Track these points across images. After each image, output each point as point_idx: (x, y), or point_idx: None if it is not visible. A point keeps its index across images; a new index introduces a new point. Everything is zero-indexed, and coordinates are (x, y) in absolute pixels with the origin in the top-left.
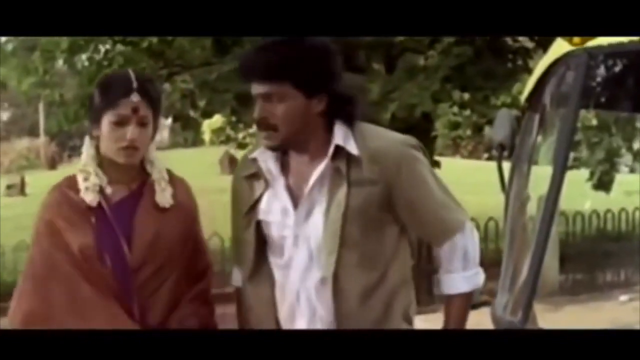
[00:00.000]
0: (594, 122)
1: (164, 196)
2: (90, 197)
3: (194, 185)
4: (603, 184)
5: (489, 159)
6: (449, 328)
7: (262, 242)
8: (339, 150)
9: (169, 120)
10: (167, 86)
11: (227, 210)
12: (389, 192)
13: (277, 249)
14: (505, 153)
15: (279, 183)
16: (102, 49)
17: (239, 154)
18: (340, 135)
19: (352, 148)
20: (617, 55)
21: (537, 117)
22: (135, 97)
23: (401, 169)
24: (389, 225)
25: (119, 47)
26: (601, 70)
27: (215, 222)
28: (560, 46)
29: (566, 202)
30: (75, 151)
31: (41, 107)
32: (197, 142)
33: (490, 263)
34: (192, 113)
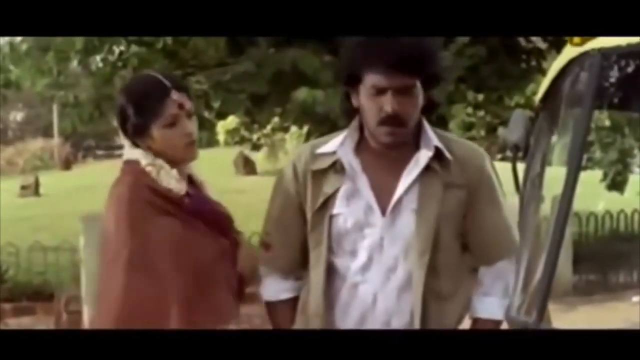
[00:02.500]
0: (607, 122)
1: (208, 190)
2: (179, 187)
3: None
4: (616, 184)
5: (503, 159)
6: None
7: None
8: (434, 152)
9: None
10: None
11: (241, 210)
12: (467, 199)
13: (349, 248)
14: (520, 153)
15: (362, 179)
16: (117, 50)
17: (254, 155)
18: (434, 137)
19: (446, 152)
20: (631, 55)
21: (551, 118)
22: (175, 95)
23: (482, 179)
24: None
25: (134, 47)
26: (615, 71)
27: None
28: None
29: (579, 203)
30: (90, 152)
31: (55, 108)
32: (211, 142)
33: None
34: (206, 114)
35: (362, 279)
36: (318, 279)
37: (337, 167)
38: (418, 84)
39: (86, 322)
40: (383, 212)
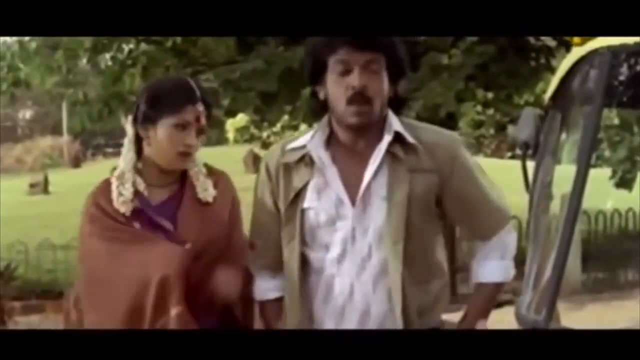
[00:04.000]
0: (616, 121)
1: (206, 191)
2: (124, 208)
3: None
4: (625, 182)
5: (512, 157)
6: (470, 318)
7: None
8: (396, 138)
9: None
10: None
11: (251, 209)
12: (442, 185)
13: (322, 241)
14: (529, 152)
15: (331, 172)
16: (126, 48)
17: (263, 153)
18: (397, 123)
19: (408, 136)
20: None
21: (560, 116)
22: (200, 107)
23: (455, 163)
24: (437, 218)
25: (143, 46)
26: (624, 69)
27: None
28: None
29: (588, 201)
30: (99, 150)
31: (64, 106)
32: (221, 140)
33: (515, 262)
34: (216, 112)
35: (337, 271)
36: (293, 273)
37: (306, 161)
38: (383, 62)
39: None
40: (353, 203)
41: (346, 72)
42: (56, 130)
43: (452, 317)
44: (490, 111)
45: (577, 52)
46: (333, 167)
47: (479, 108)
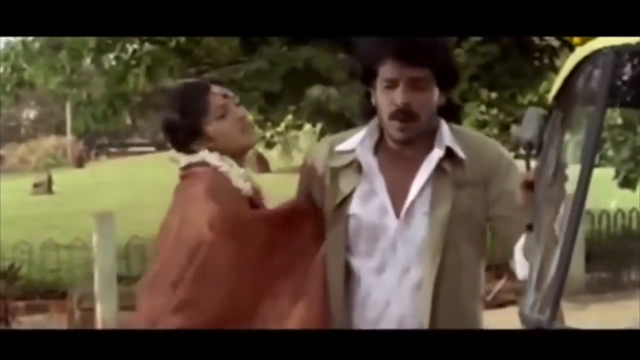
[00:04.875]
0: (620, 120)
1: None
2: (246, 186)
3: None
4: (629, 182)
5: (516, 157)
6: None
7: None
8: (446, 152)
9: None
10: None
11: None
12: (488, 190)
13: (363, 249)
14: (533, 151)
15: (378, 180)
16: (130, 48)
17: (267, 153)
18: (448, 136)
19: (459, 150)
20: None
21: (564, 116)
22: (215, 89)
23: (501, 164)
24: (481, 235)
25: (147, 46)
26: (628, 69)
27: None
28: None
29: (591, 201)
30: (103, 150)
31: (68, 105)
32: None
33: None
34: None
35: (377, 281)
36: (337, 279)
37: (354, 166)
38: (431, 78)
39: (99, 320)
40: (397, 215)
41: (392, 86)
42: (60, 130)
43: None
44: (494, 111)
45: (580, 52)
46: (380, 175)
47: (482, 108)
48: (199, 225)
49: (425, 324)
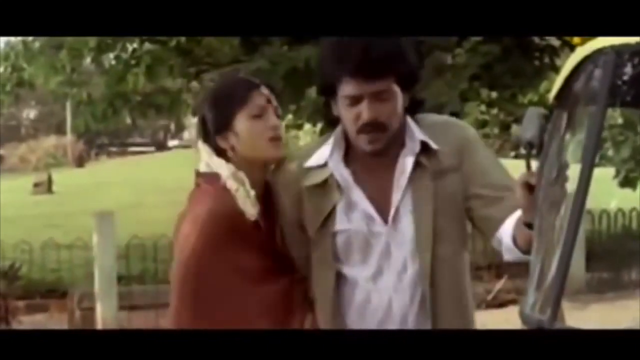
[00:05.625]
0: (620, 120)
1: None
2: (251, 211)
3: None
4: (629, 181)
5: (516, 157)
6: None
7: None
8: (420, 146)
9: (197, 118)
10: (195, 84)
11: None
12: (461, 171)
13: (358, 259)
14: (534, 151)
15: (357, 191)
16: (130, 47)
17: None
18: (418, 130)
19: (431, 142)
20: None
21: (565, 115)
22: (264, 90)
23: (468, 141)
24: (465, 218)
25: (147, 45)
26: (628, 69)
27: None
28: (587, 44)
29: (592, 201)
30: (103, 149)
31: (68, 105)
32: None
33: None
34: None
35: (374, 287)
36: (326, 292)
37: (330, 182)
38: (393, 87)
39: (99, 319)
40: (385, 220)
41: (355, 102)
42: (60, 130)
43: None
44: (495, 111)
45: (581, 52)
46: (357, 186)
47: (483, 107)
48: (184, 242)
49: (428, 317)
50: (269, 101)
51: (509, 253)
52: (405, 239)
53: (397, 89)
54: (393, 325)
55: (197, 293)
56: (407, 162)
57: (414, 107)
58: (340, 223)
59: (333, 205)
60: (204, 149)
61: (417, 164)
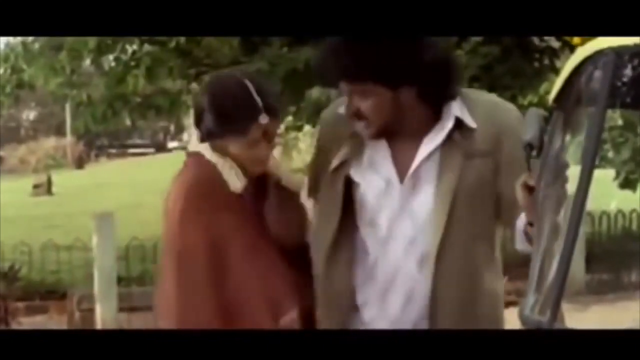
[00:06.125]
0: (620, 121)
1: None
2: (236, 183)
3: None
4: (629, 183)
5: None
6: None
7: (348, 204)
8: (455, 122)
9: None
10: (194, 86)
11: None
12: (497, 157)
13: (370, 217)
14: (534, 153)
15: (383, 148)
16: (129, 49)
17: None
18: (457, 105)
19: (469, 119)
20: None
21: (564, 117)
22: (264, 119)
23: (513, 128)
24: (492, 208)
25: (146, 47)
26: (628, 70)
27: None
28: (587, 45)
29: (592, 202)
30: (103, 151)
31: (68, 107)
32: None
33: (518, 263)
34: None
35: (383, 251)
36: (325, 237)
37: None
38: (375, 85)
39: (99, 321)
40: (401, 182)
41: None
42: (60, 131)
43: None
44: None
45: (581, 53)
46: (385, 142)
47: None
48: (168, 215)
49: (430, 298)
50: (265, 133)
51: (521, 244)
52: (418, 210)
53: (378, 88)
54: (398, 295)
55: (181, 255)
56: (437, 136)
57: (429, 93)
58: (359, 175)
59: (356, 153)
60: (195, 133)
61: (449, 139)
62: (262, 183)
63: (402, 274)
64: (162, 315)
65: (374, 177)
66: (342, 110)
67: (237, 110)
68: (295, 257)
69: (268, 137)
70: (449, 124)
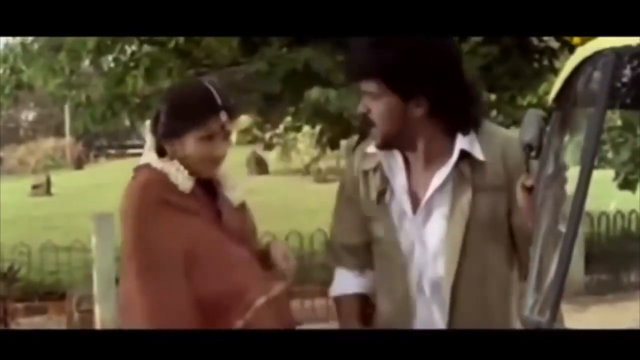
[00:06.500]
0: (619, 122)
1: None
2: (185, 184)
3: None
4: (628, 184)
5: None
6: None
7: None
8: (463, 155)
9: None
10: None
11: (253, 210)
12: (512, 193)
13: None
14: (533, 153)
15: (400, 183)
16: (129, 49)
17: (266, 155)
18: (466, 139)
19: (478, 153)
20: None
21: (564, 118)
22: (223, 116)
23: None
24: (507, 238)
25: (146, 47)
26: (628, 70)
27: None
28: (587, 46)
29: (591, 203)
30: (102, 151)
31: (67, 107)
32: None
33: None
34: None
35: (402, 281)
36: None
37: (381, 167)
38: (380, 86)
39: (98, 321)
40: (414, 213)
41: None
42: (59, 132)
43: None
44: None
45: (580, 54)
46: (402, 176)
47: None
48: (122, 223)
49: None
50: (222, 127)
51: None
52: (429, 242)
53: (389, 92)
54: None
55: (142, 255)
56: (446, 166)
57: (441, 113)
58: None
59: (380, 190)
60: (149, 140)
61: (458, 171)
62: (211, 185)
63: (419, 301)
64: (128, 315)
65: (392, 210)
66: (369, 148)
67: (198, 104)
68: (252, 251)
69: (225, 133)
70: (454, 157)
